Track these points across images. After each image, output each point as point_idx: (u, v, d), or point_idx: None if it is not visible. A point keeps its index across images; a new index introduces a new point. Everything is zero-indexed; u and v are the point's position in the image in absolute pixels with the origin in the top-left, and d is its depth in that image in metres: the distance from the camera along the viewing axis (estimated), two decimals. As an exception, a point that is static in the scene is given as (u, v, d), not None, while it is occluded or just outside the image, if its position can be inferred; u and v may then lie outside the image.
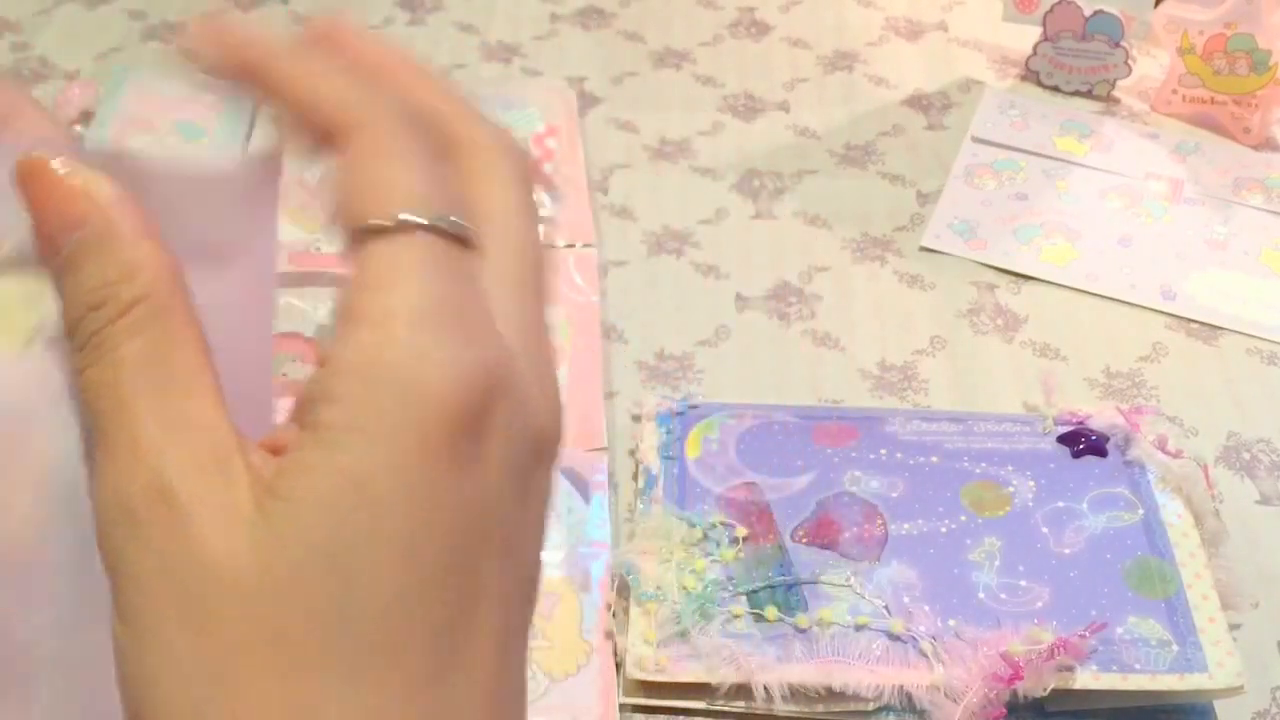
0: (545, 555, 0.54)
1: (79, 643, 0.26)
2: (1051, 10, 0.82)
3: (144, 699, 0.22)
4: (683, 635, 0.49)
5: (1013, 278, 0.70)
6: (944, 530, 0.52)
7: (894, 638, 0.48)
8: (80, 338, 0.24)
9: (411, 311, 0.23)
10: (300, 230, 0.68)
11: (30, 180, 0.25)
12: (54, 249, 0.25)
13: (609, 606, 0.51)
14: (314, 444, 0.22)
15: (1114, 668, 0.47)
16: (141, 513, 0.22)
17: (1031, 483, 0.54)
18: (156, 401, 0.23)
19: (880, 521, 0.53)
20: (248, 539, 0.22)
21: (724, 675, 0.48)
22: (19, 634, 0.26)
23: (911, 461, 0.55)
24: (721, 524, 0.53)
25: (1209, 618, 0.49)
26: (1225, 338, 0.66)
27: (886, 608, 0.49)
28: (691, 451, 0.56)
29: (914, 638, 0.48)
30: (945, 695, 0.47)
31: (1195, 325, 0.67)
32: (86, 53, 0.85)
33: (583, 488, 0.55)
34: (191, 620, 0.21)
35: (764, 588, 0.50)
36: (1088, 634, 0.47)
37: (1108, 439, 0.56)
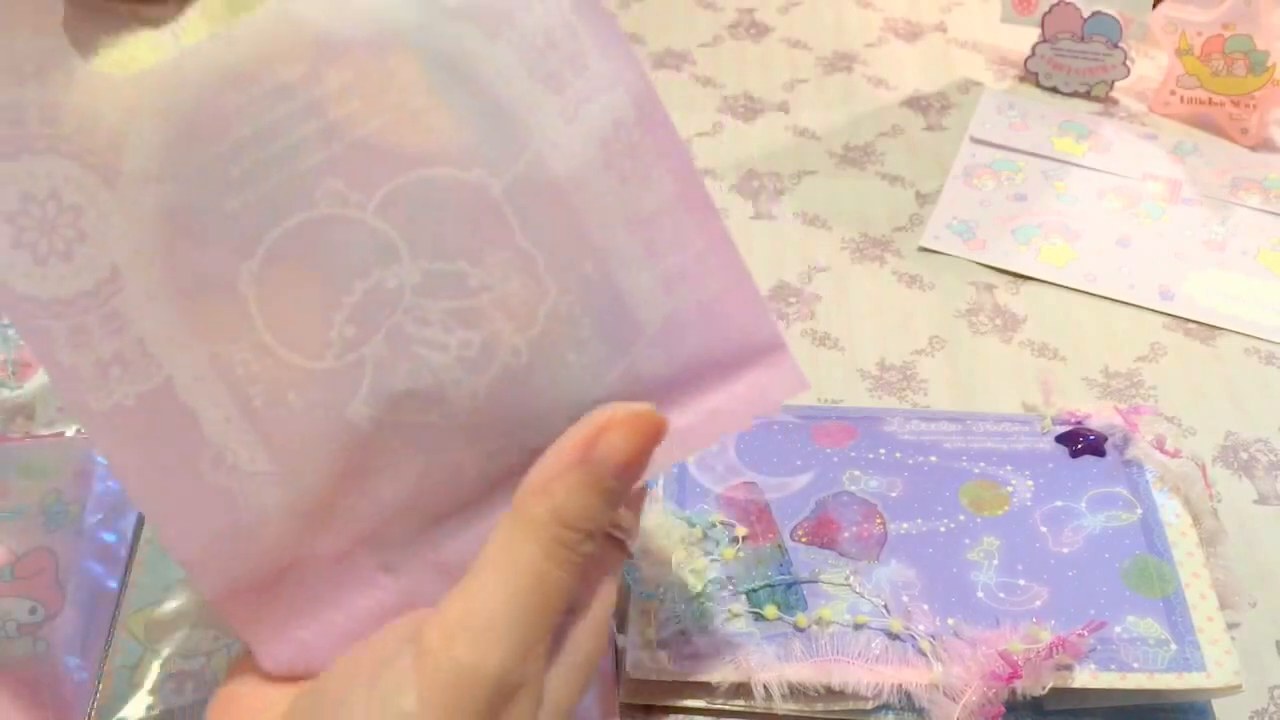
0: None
1: None
2: (1050, 11, 0.82)
3: None
4: (682, 635, 0.49)
5: (1011, 278, 0.70)
6: (943, 529, 0.53)
7: (893, 637, 0.48)
8: (547, 520, 0.32)
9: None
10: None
11: (651, 430, 0.32)
12: (630, 477, 0.32)
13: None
14: None
15: (1112, 666, 0.47)
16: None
17: (1030, 482, 0.54)
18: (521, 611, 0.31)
19: (879, 521, 0.53)
20: None
21: (724, 674, 0.48)
22: None
23: (910, 461, 0.56)
24: (721, 523, 0.53)
25: (1207, 617, 0.49)
26: (1223, 338, 0.67)
27: (885, 606, 0.49)
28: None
29: (913, 637, 0.48)
30: (944, 694, 0.47)
31: (1193, 325, 0.67)
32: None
33: (583, 487, 0.55)
34: None
35: (763, 587, 0.50)
36: (1086, 633, 0.47)
37: (1106, 439, 0.56)
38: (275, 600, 0.33)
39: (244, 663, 0.34)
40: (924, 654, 0.48)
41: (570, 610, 0.33)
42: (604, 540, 0.34)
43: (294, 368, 0.32)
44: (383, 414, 0.33)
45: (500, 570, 0.31)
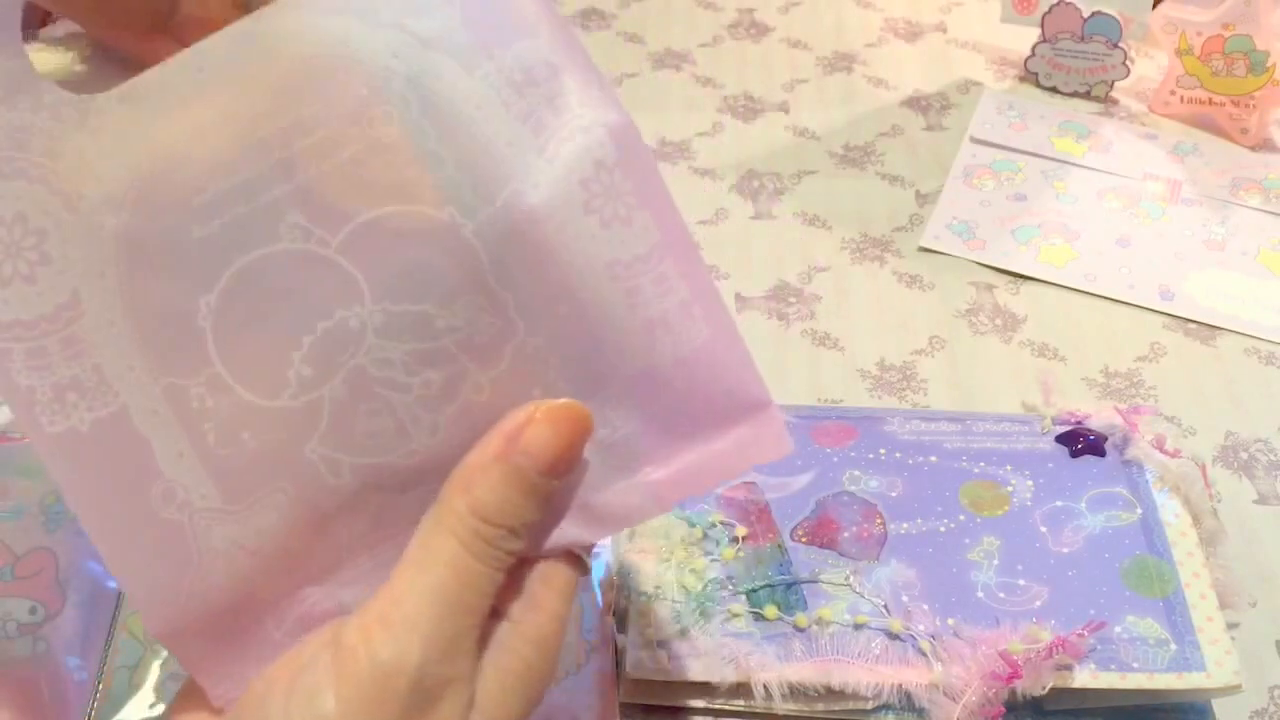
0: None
1: None
2: (1050, 11, 0.82)
3: None
4: (682, 634, 0.49)
5: (1011, 278, 0.70)
6: (943, 529, 0.53)
7: (893, 637, 0.48)
8: (467, 515, 0.31)
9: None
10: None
11: (576, 424, 0.32)
12: (555, 472, 0.32)
13: (609, 606, 0.51)
14: None
15: (1112, 666, 0.47)
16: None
17: (1030, 482, 0.54)
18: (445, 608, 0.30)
19: (879, 521, 0.53)
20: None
21: (723, 674, 0.48)
22: None
23: (910, 461, 0.56)
24: (721, 523, 0.53)
25: (1207, 617, 0.49)
26: (1223, 338, 0.67)
27: (885, 606, 0.49)
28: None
29: (913, 636, 0.48)
30: (944, 694, 0.47)
31: (1193, 325, 0.67)
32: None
33: (583, 487, 0.55)
34: None
35: (763, 587, 0.50)
36: (1086, 633, 0.47)
37: (1106, 439, 0.56)
38: (227, 640, 0.33)
39: (191, 695, 0.33)
40: (924, 654, 0.48)
41: (509, 618, 0.32)
42: (563, 556, 0.33)
43: (250, 405, 0.32)
44: (340, 454, 0.32)
45: (420, 566, 0.30)
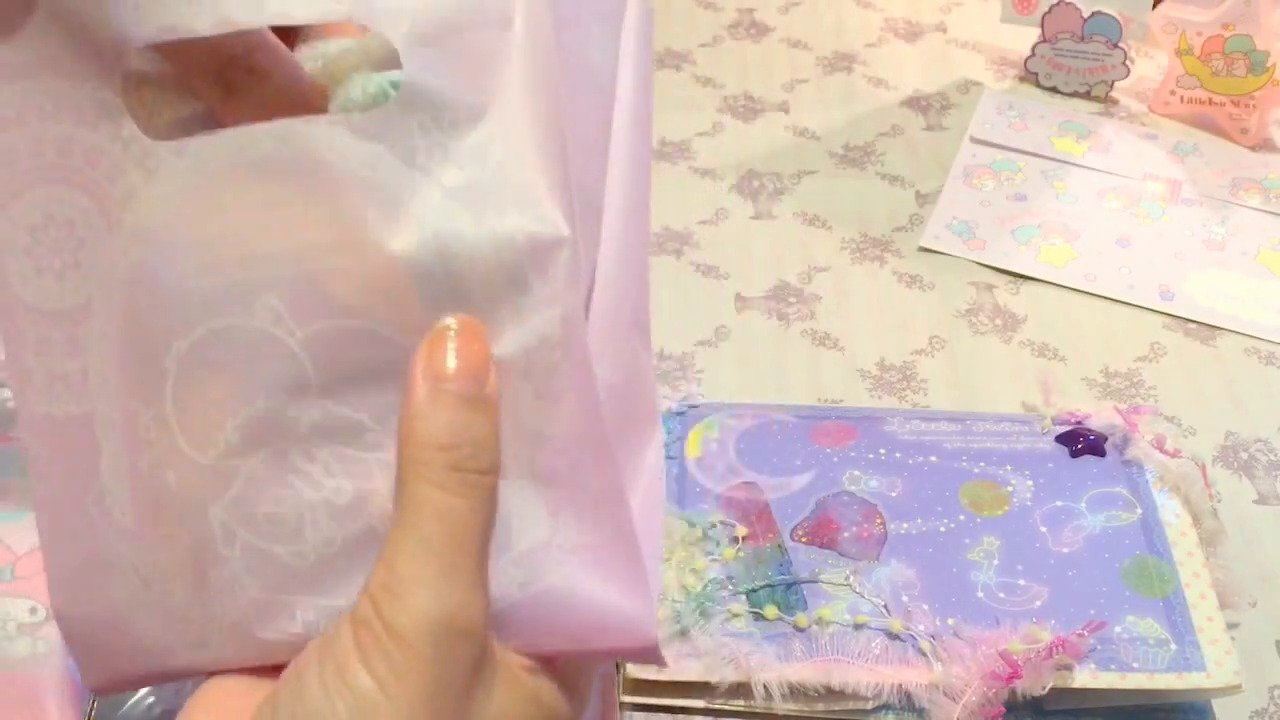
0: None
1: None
2: (1050, 11, 0.82)
3: None
4: (683, 634, 0.49)
5: (1011, 278, 0.70)
6: (943, 529, 0.53)
7: (893, 637, 0.48)
8: (425, 454, 0.31)
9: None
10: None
11: (469, 331, 0.32)
12: (476, 381, 0.31)
13: (609, 606, 0.51)
14: None
15: (1112, 666, 0.47)
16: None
17: (1030, 482, 0.54)
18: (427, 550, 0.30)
19: (879, 521, 0.53)
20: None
21: (724, 674, 0.48)
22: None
23: (910, 461, 0.56)
24: (721, 523, 0.53)
25: (1207, 617, 0.49)
26: (1223, 338, 0.67)
27: (885, 606, 0.49)
28: (691, 451, 0.57)
29: (913, 636, 0.48)
30: (944, 694, 0.47)
31: (1193, 325, 0.67)
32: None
33: (582, 488, 0.55)
34: None
35: (763, 587, 0.50)
36: (1086, 633, 0.47)
37: (1106, 439, 0.56)
38: (103, 641, 0.36)
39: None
40: (924, 654, 0.48)
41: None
42: None
43: (180, 452, 0.33)
44: (237, 528, 0.34)
45: (403, 526, 0.31)
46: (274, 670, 0.34)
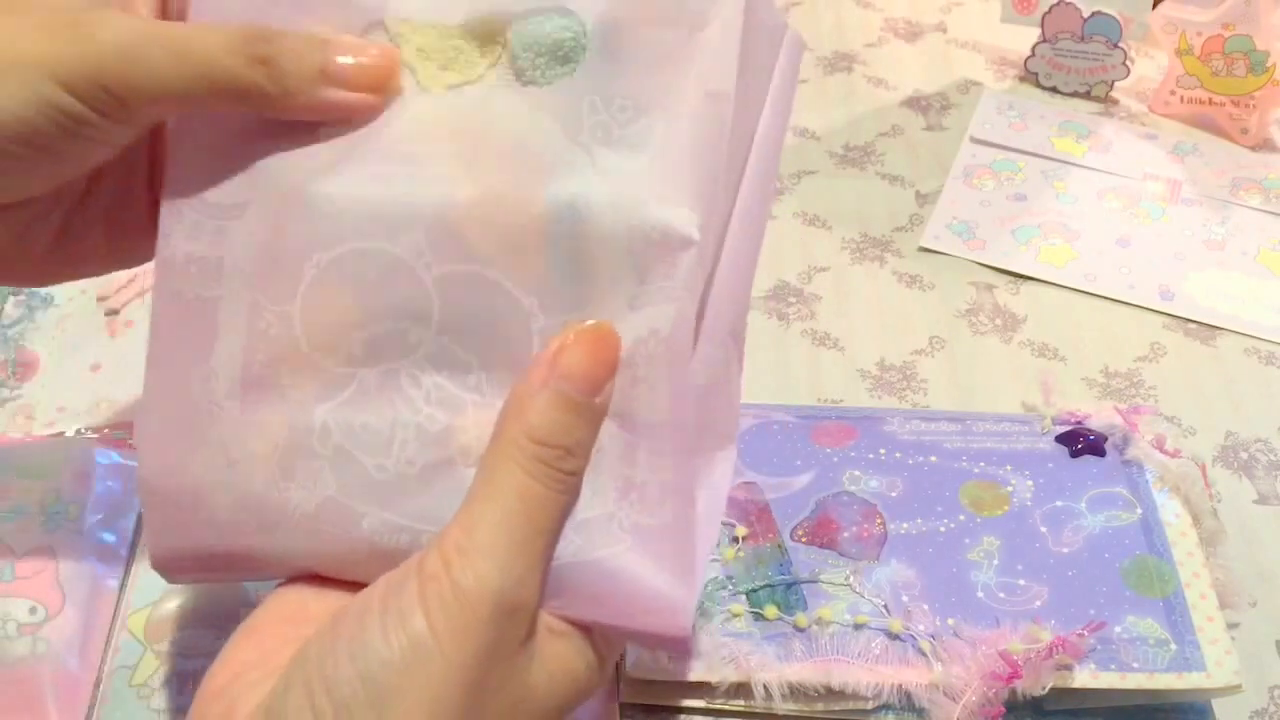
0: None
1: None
2: (1050, 11, 0.82)
3: None
4: (682, 634, 0.49)
5: (1011, 278, 0.70)
6: (943, 529, 0.53)
7: (893, 637, 0.48)
8: (524, 441, 0.33)
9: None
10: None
11: (605, 343, 0.33)
12: (593, 390, 0.34)
13: (609, 606, 0.51)
14: None
15: (1112, 666, 0.47)
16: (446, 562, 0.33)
17: (1030, 482, 0.54)
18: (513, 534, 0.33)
19: (879, 521, 0.53)
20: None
21: (723, 674, 0.48)
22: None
23: (910, 461, 0.56)
24: (721, 523, 0.53)
25: (1207, 617, 0.49)
26: (1223, 338, 0.67)
27: (885, 606, 0.49)
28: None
29: (913, 637, 0.48)
30: (944, 694, 0.47)
31: (1193, 325, 0.67)
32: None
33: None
34: None
35: (763, 586, 0.50)
36: (1086, 633, 0.47)
37: (1106, 439, 0.56)
38: (189, 518, 0.38)
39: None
40: (924, 654, 0.48)
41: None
42: None
43: (300, 351, 0.37)
44: (335, 429, 0.37)
45: (486, 496, 0.33)
46: (337, 584, 0.37)
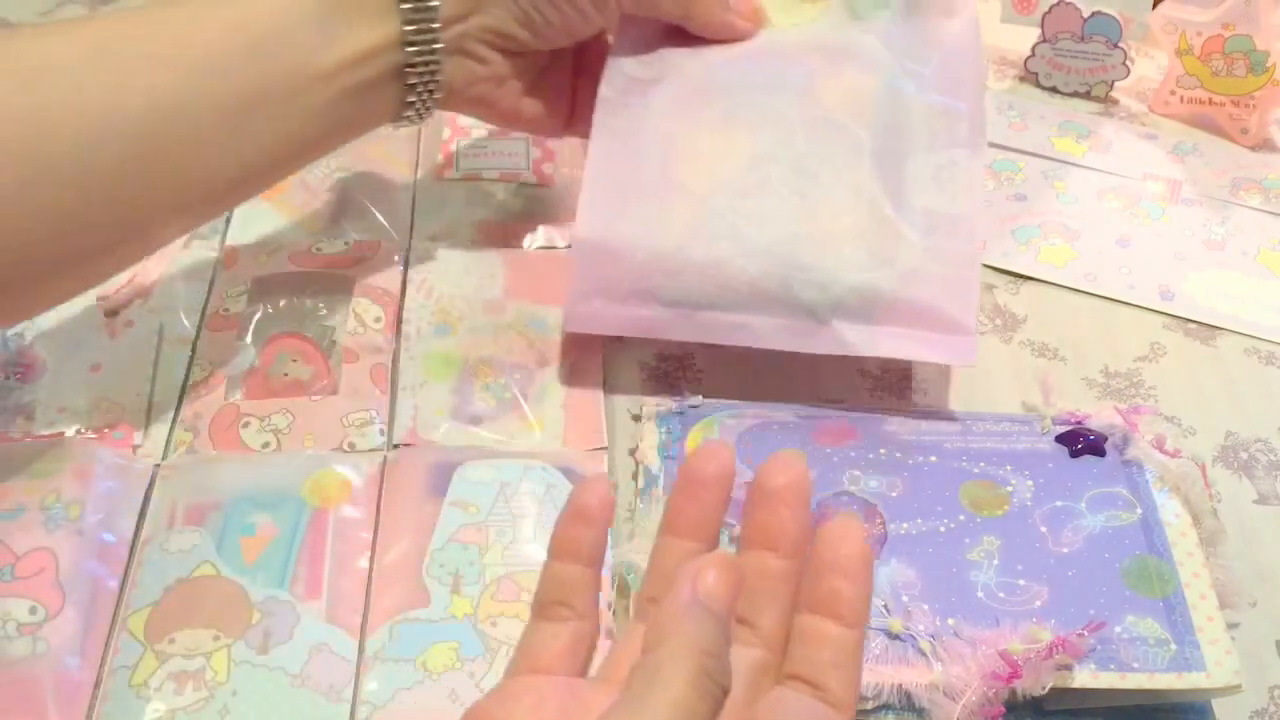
0: (546, 554, 0.54)
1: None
2: (1050, 11, 0.82)
3: None
4: (682, 634, 0.49)
5: (1011, 278, 0.70)
6: (943, 529, 0.53)
7: (893, 637, 0.48)
8: (688, 653, 0.32)
9: None
10: (301, 231, 0.68)
11: (735, 573, 0.34)
12: (730, 605, 0.34)
13: (609, 606, 0.51)
14: None
15: (1112, 666, 0.47)
16: None
17: (1030, 482, 0.54)
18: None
19: (879, 521, 0.53)
20: None
21: (724, 674, 0.48)
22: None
23: (910, 461, 0.56)
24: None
25: (1207, 617, 0.49)
26: (1223, 338, 0.67)
27: (885, 606, 0.49)
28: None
29: (913, 637, 0.48)
30: (944, 694, 0.47)
31: (1193, 325, 0.67)
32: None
33: (583, 487, 0.55)
34: None
35: (763, 587, 0.50)
36: (1086, 633, 0.47)
37: (1106, 439, 0.56)
38: (609, 267, 0.57)
39: (528, 655, 0.38)
40: (924, 654, 0.48)
41: None
42: None
43: (703, 160, 0.59)
44: (726, 209, 0.57)
45: (646, 694, 0.32)
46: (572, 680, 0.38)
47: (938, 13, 0.65)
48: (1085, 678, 0.47)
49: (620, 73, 0.61)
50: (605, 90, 0.60)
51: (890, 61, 0.61)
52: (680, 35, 0.62)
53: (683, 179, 0.57)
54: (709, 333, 0.58)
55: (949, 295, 0.57)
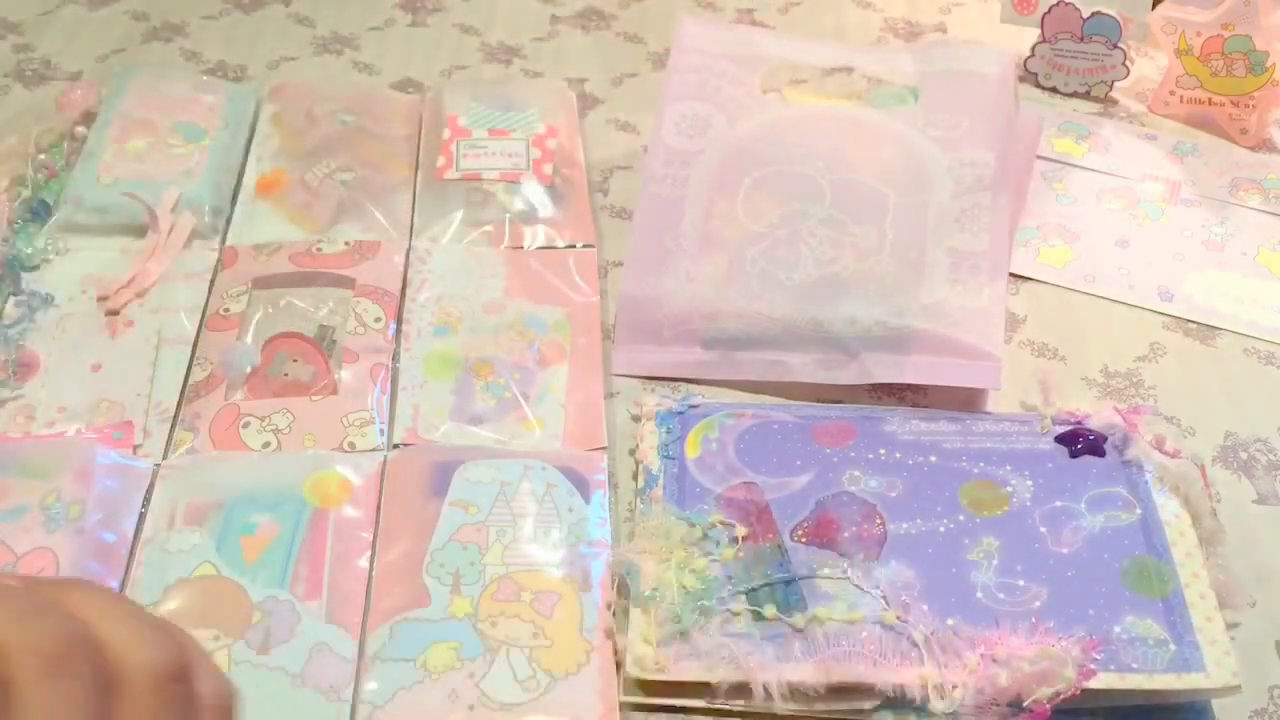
0: (546, 554, 0.54)
1: None
2: (1050, 12, 0.82)
3: None
4: (682, 634, 0.49)
5: (1011, 278, 0.70)
6: (942, 530, 0.53)
7: (888, 628, 0.48)
8: None
9: None
10: (300, 231, 0.68)
11: None
12: None
13: (609, 606, 0.51)
14: None
15: (1112, 667, 0.47)
16: None
17: (1029, 482, 0.54)
18: None
19: (879, 521, 0.53)
20: None
21: (723, 674, 0.48)
22: None
23: (910, 461, 0.56)
24: (721, 523, 0.53)
25: (1206, 617, 0.49)
26: (1222, 338, 0.67)
27: (884, 597, 0.49)
28: (691, 451, 0.57)
29: (910, 633, 0.48)
30: (943, 694, 0.47)
31: (1193, 325, 0.67)
32: (89, 54, 0.85)
33: (583, 487, 0.55)
34: None
35: (763, 586, 0.50)
36: (1094, 652, 0.48)
37: (1105, 439, 0.56)
38: (650, 314, 0.63)
39: None
40: (923, 654, 0.48)
41: None
42: None
43: (738, 222, 0.65)
44: (760, 259, 0.63)
45: None
46: None
47: (973, 76, 0.70)
48: (1085, 678, 0.47)
49: (664, 145, 0.68)
50: (651, 161, 0.67)
51: (917, 133, 0.68)
52: (717, 111, 0.70)
53: (719, 236, 0.64)
54: (747, 370, 0.62)
55: (973, 325, 0.61)
